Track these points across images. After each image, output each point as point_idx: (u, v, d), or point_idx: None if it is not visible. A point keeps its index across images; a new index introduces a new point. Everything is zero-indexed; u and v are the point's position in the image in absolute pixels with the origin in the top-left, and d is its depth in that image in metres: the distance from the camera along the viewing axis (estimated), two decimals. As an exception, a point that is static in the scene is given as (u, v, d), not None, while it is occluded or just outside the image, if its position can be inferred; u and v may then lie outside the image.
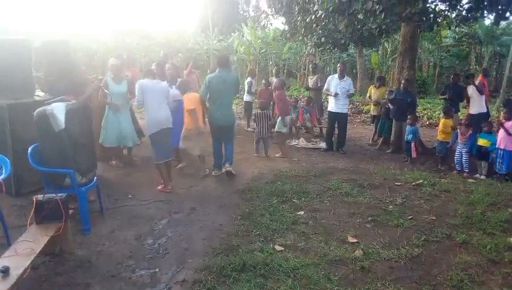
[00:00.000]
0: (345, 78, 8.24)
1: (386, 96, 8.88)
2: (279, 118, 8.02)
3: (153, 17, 36.90)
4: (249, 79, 10.60)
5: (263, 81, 9.16)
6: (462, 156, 6.94)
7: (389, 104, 8.42)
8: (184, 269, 3.56)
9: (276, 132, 8.02)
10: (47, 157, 4.19)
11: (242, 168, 6.69)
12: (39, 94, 5.66)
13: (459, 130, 7.13)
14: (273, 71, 11.79)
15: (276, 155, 7.70)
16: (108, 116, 6.30)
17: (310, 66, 11.56)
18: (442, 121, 7.73)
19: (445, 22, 9.02)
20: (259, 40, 21.61)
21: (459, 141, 7.03)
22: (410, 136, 7.73)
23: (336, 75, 8.34)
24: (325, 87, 8.59)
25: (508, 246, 3.93)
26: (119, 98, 6.28)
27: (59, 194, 3.63)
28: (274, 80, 9.78)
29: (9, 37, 5.65)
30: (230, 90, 6.21)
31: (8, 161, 4.00)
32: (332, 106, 8.34)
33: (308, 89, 10.63)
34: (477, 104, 8.26)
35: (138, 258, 3.77)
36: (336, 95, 8.12)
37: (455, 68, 19.91)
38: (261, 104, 7.92)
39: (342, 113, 8.29)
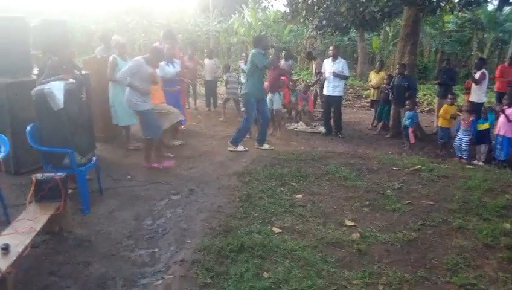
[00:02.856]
0: (337, 60, 8.18)
1: (385, 81, 8.86)
2: (269, 95, 7.96)
3: (153, -3, 36.30)
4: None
5: None
6: (462, 143, 6.96)
7: (390, 92, 8.36)
8: (183, 249, 3.59)
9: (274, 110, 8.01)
10: (46, 136, 4.18)
11: (241, 151, 6.69)
12: (37, 73, 5.61)
13: (461, 117, 7.12)
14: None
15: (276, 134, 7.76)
16: (114, 95, 6.25)
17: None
18: (444, 107, 7.70)
19: (448, 6, 8.91)
20: (260, 22, 21.43)
21: (461, 127, 7.04)
22: (408, 121, 7.73)
23: (330, 58, 8.31)
24: (322, 70, 8.59)
25: (504, 231, 3.96)
26: None
27: (58, 174, 3.64)
28: None
29: (7, 15, 5.56)
30: (248, 66, 6.84)
31: (7, 139, 4.00)
32: (325, 89, 8.34)
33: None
34: (475, 93, 8.23)
35: (137, 238, 3.80)
36: (324, 77, 8.20)
37: (457, 54, 19.79)
38: None
39: (334, 96, 8.23)
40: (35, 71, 5.66)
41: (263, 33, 21.25)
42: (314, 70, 10.49)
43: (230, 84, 9.53)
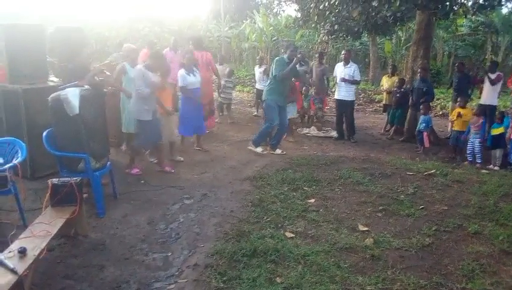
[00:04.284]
0: (349, 65, 8.16)
1: (395, 85, 8.82)
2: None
3: (166, 3, 36.64)
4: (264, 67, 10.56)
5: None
6: (474, 147, 6.88)
7: (411, 96, 8.28)
8: (196, 253, 3.61)
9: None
10: (61, 141, 4.25)
11: (253, 156, 6.71)
12: (53, 79, 5.71)
13: (470, 120, 7.05)
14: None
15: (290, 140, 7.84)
16: (124, 102, 6.26)
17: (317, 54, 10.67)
18: (455, 110, 7.65)
19: (461, 10, 8.84)
20: (271, 28, 21.43)
21: (472, 131, 6.96)
22: (422, 126, 7.67)
23: (342, 62, 8.30)
24: (334, 75, 8.60)
25: (521, 237, 3.90)
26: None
27: (74, 178, 3.69)
28: None
29: (24, 22, 5.69)
30: (271, 72, 6.84)
31: (24, 144, 4.08)
32: (337, 93, 8.34)
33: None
34: (489, 95, 8.11)
35: (151, 242, 3.83)
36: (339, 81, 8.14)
37: (470, 58, 19.55)
38: None
39: (347, 100, 8.21)
40: (52, 78, 5.76)
41: (274, 38, 21.34)
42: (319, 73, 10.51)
43: (226, 89, 9.56)
